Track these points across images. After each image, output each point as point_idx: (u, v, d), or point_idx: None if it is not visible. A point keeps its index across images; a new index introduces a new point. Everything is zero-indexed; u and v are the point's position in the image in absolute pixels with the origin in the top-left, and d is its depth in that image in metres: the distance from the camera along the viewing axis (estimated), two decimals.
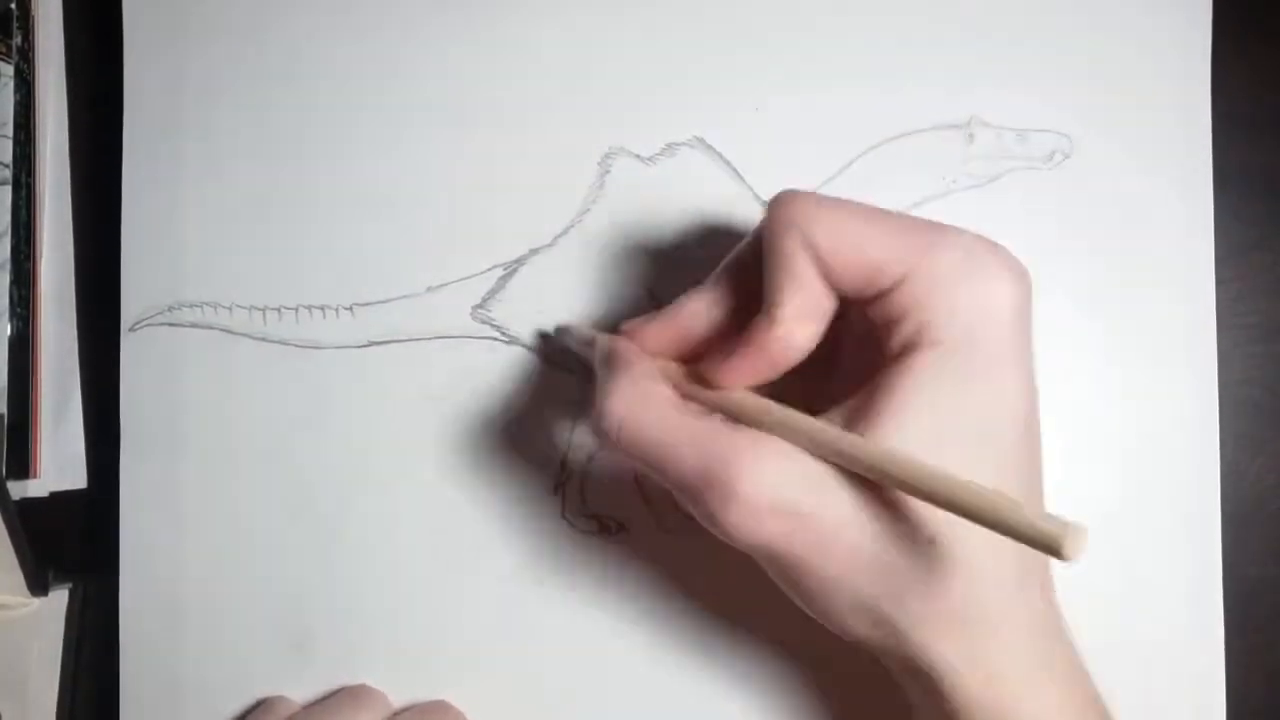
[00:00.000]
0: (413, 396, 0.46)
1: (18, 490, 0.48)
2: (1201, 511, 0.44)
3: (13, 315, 0.48)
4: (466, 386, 0.46)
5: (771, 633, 0.45)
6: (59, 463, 0.49)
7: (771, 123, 0.45)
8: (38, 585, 0.48)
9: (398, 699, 0.47)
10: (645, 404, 0.35)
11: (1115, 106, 0.44)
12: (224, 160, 0.47)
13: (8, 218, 0.48)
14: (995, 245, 0.34)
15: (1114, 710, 0.36)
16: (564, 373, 0.46)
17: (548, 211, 0.46)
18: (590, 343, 0.41)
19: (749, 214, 0.45)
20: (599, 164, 0.45)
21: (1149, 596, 0.44)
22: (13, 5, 0.49)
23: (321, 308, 0.46)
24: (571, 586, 0.46)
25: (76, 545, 0.50)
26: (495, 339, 0.46)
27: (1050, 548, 0.28)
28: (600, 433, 0.36)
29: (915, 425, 0.32)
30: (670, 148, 0.45)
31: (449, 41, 0.47)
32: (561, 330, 0.45)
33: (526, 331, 0.46)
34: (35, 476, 0.48)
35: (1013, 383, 0.33)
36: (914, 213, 0.44)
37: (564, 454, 0.46)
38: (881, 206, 0.35)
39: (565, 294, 0.46)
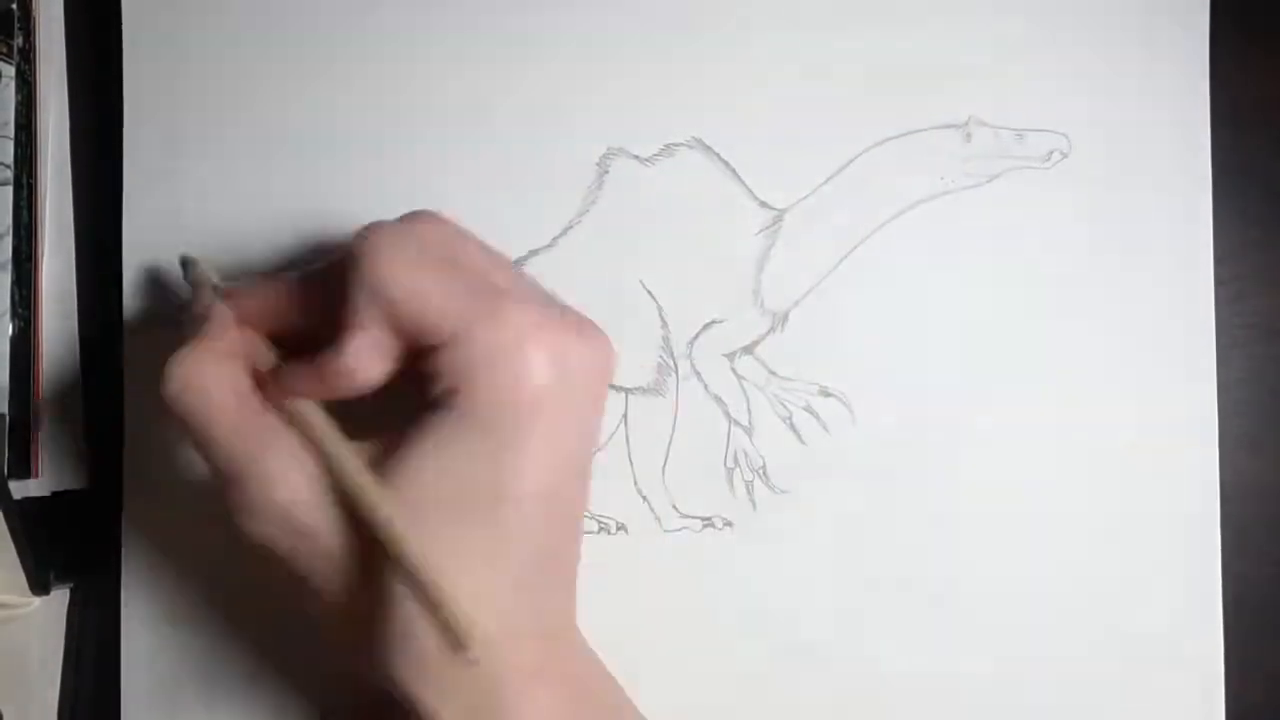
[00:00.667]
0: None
1: (18, 490, 0.47)
2: (1201, 511, 0.44)
3: (13, 315, 0.48)
4: None
5: (773, 632, 0.45)
6: (59, 463, 0.49)
7: (770, 123, 0.45)
8: (38, 585, 0.48)
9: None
10: (209, 379, 0.36)
11: (1114, 106, 0.44)
12: (224, 159, 0.47)
13: (8, 218, 0.48)
14: (544, 325, 0.34)
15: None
16: None
17: (546, 212, 0.46)
18: (200, 289, 0.41)
19: (747, 214, 0.45)
20: (597, 165, 0.45)
21: (1149, 597, 0.44)
22: (13, 5, 0.49)
23: None
24: None
25: (77, 545, 0.49)
26: None
27: (451, 641, 0.31)
28: (161, 388, 0.37)
29: (425, 482, 0.33)
30: (669, 148, 0.45)
31: (447, 41, 0.47)
32: (188, 262, 0.43)
33: None
34: (36, 476, 0.48)
35: (534, 460, 0.34)
36: (912, 212, 0.44)
37: None
38: (458, 265, 0.36)
39: (564, 294, 0.45)
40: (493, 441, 0.33)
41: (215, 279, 0.41)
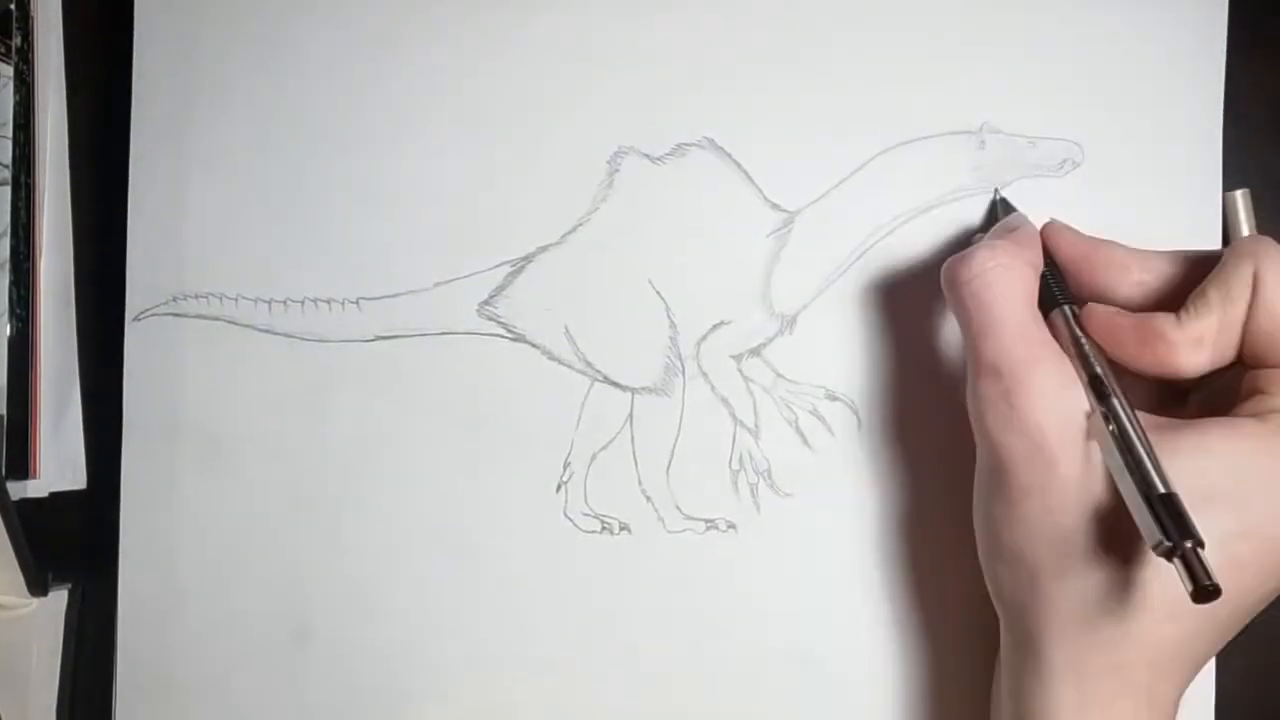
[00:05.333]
0: (417, 392, 0.46)
1: (18, 490, 0.47)
2: None
3: (12, 315, 0.48)
4: (471, 382, 0.46)
5: (775, 634, 0.45)
6: (59, 463, 0.49)
7: (782, 125, 0.45)
8: (37, 585, 0.48)
9: (398, 693, 0.47)
10: (1011, 277, 0.36)
11: (1127, 115, 0.44)
12: (232, 152, 0.48)
13: (7, 218, 0.48)
14: None
15: None
16: (568, 371, 0.46)
17: (556, 209, 0.46)
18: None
19: (758, 216, 0.45)
20: (608, 163, 0.46)
21: None
22: (12, 6, 0.49)
23: (328, 301, 0.47)
24: (573, 585, 0.46)
25: (76, 545, 0.49)
26: (501, 336, 0.46)
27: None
28: (952, 269, 0.38)
29: (1201, 471, 0.33)
30: (680, 148, 0.45)
31: (459, 39, 0.47)
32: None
33: (532, 329, 0.46)
34: (35, 476, 0.48)
35: None
36: (923, 218, 0.44)
37: (567, 452, 0.46)
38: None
39: (572, 292, 0.46)
40: None
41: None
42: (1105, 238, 0.40)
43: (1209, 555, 0.29)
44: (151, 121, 0.48)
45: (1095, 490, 0.34)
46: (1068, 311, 0.37)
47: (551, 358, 0.46)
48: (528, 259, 0.46)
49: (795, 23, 0.45)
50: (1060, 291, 0.38)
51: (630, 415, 0.46)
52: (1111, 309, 0.37)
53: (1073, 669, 0.34)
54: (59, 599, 0.49)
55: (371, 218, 0.47)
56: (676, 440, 0.45)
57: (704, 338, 0.45)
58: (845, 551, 0.44)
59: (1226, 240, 0.45)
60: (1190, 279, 0.37)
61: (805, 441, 0.45)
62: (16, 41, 0.49)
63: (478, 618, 0.46)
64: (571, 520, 0.46)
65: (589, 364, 0.45)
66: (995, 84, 0.44)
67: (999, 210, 0.43)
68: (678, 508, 0.45)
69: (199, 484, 0.47)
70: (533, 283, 0.46)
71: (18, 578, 0.47)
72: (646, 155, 0.45)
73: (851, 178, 0.44)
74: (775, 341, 0.45)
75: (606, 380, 0.45)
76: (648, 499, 0.46)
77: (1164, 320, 0.35)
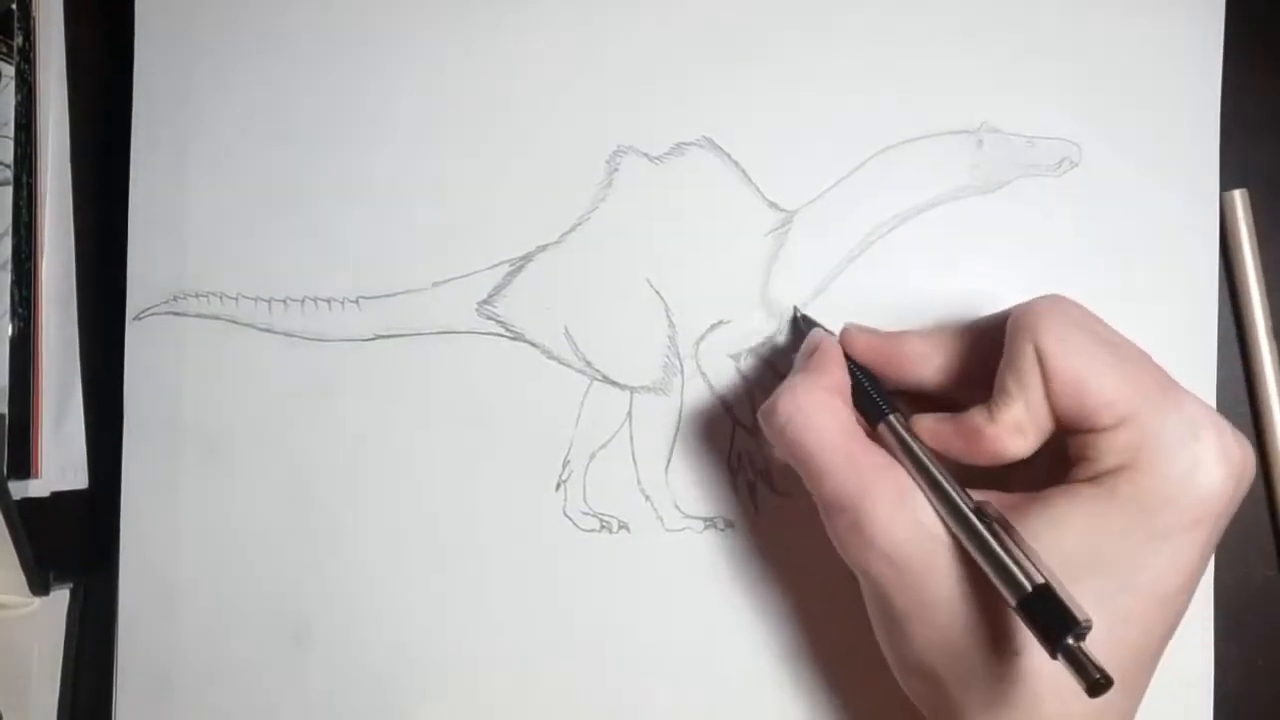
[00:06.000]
0: (417, 390, 0.46)
1: (18, 490, 0.47)
2: None
3: (14, 315, 0.48)
4: (470, 381, 0.46)
5: (773, 633, 0.45)
6: (60, 463, 0.49)
7: (781, 124, 0.45)
8: (38, 585, 0.48)
9: (397, 693, 0.47)
10: (817, 412, 0.37)
11: (1125, 115, 0.44)
12: (232, 152, 0.48)
13: (9, 218, 0.48)
14: (1220, 426, 0.34)
15: None
16: (567, 370, 0.46)
17: (555, 209, 0.46)
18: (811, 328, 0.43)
19: (757, 215, 0.45)
20: (607, 162, 0.46)
21: None
22: (13, 5, 0.49)
23: (328, 300, 0.47)
24: (572, 583, 0.46)
25: (77, 545, 0.49)
26: (500, 335, 0.46)
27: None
28: (765, 420, 0.38)
29: (1054, 549, 0.33)
30: (679, 147, 0.45)
31: (458, 37, 0.47)
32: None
33: (531, 328, 0.46)
34: (36, 476, 0.48)
35: (1185, 560, 0.33)
36: (921, 217, 0.44)
37: (566, 451, 0.46)
38: (1119, 341, 0.35)
39: (571, 291, 0.46)
40: (1148, 531, 0.33)
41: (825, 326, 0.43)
42: (898, 330, 0.40)
43: (1095, 619, 0.30)
44: (152, 121, 0.48)
45: (968, 593, 0.34)
46: (892, 421, 0.37)
47: (550, 357, 0.46)
48: (527, 258, 0.46)
49: (794, 22, 0.45)
50: (882, 400, 0.38)
51: (629, 414, 0.46)
52: (930, 418, 0.37)
53: None
54: (60, 598, 0.49)
55: (371, 217, 0.47)
56: (675, 439, 0.46)
57: (703, 337, 0.45)
58: None
59: (1225, 242, 0.45)
60: (985, 347, 0.37)
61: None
62: (18, 41, 0.49)
63: (476, 616, 0.46)
64: (570, 519, 0.46)
65: (588, 363, 0.46)
66: (993, 84, 0.44)
67: (800, 326, 0.44)
68: (676, 506, 0.45)
69: (199, 483, 0.47)
70: (532, 282, 0.46)
71: (19, 577, 0.47)
72: (645, 154, 0.46)
73: (850, 177, 0.45)
74: (774, 340, 0.45)
75: (605, 379, 0.46)
76: (646, 498, 0.46)
77: (978, 416, 0.35)
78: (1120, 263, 0.44)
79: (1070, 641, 0.29)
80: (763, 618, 0.45)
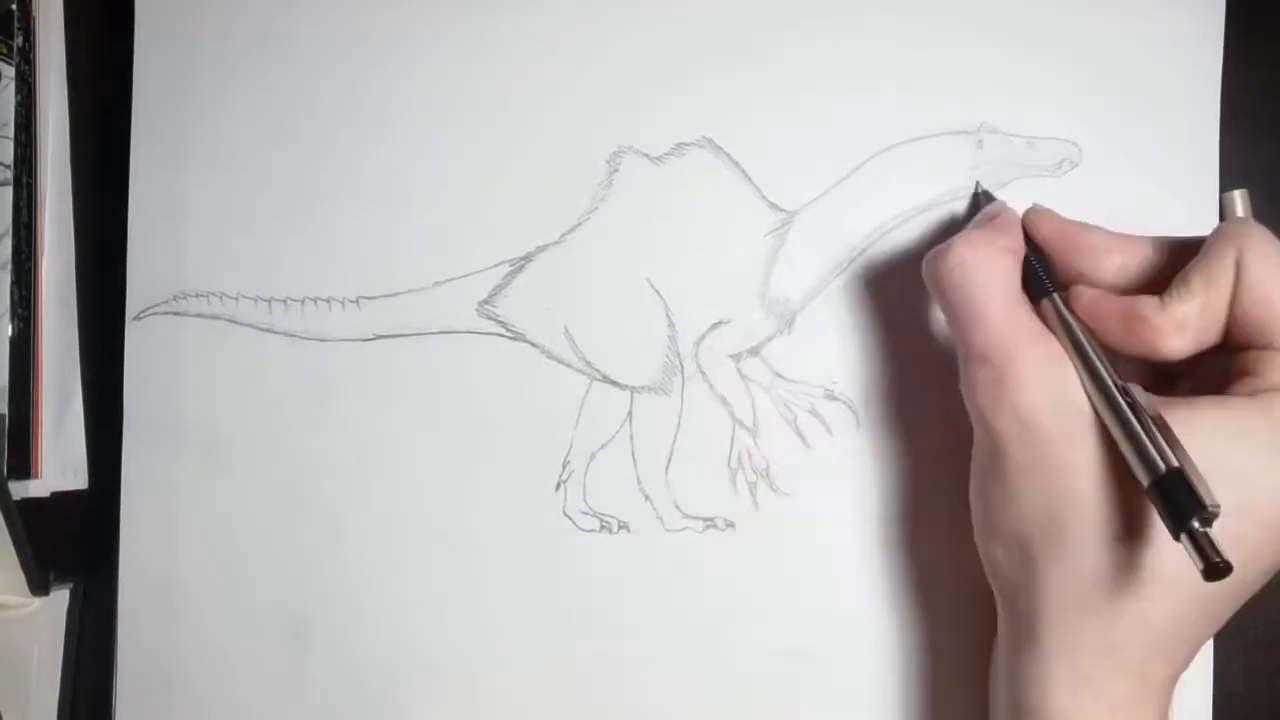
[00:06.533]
0: (417, 390, 0.46)
1: (18, 490, 0.47)
2: None
3: (14, 315, 0.48)
4: (470, 381, 0.46)
5: (773, 633, 0.45)
6: (60, 463, 0.49)
7: (780, 124, 0.45)
8: (38, 585, 0.48)
9: (396, 692, 0.47)
10: (987, 264, 0.37)
11: (1125, 115, 0.44)
12: (232, 152, 0.48)
13: (9, 218, 0.48)
14: None
15: None
16: (568, 370, 0.46)
17: (556, 209, 0.46)
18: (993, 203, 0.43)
19: (757, 215, 0.45)
20: (607, 162, 0.46)
21: None
22: (13, 5, 0.49)
23: (328, 300, 0.47)
24: (572, 583, 0.46)
25: (77, 545, 0.49)
26: (500, 335, 0.46)
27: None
28: (933, 262, 0.38)
29: (1194, 448, 0.32)
30: (679, 147, 0.45)
31: (458, 37, 0.47)
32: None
33: (531, 328, 0.46)
34: (36, 476, 0.48)
35: None
36: (922, 218, 0.44)
37: (566, 451, 0.46)
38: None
39: (572, 291, 0.46)
40: None
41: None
42: (1087, 222, 0.40)
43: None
44: (152, 121, 0.48)
45: (1091, 470, 0.34)
46: (1056, 299, 0.37)
47: (551, 357, 0.46)
48: (527, 258, 0.46)
49: (794, 22, 0.45)
50: (1048, 277, 0.38)
51: (629, 414, 0.46)
52: (1096, 292, 0.37)
53: (1067, 649, 0.35)
54: (60, 598, 0.49)
55: (371, 217, 0.47)
56: (675, 439, 0.45)
57: (703, 337, 0.45)
58: (844, 550, 0.45)
59: None
60: (1173, 263, 0.37)
61: (804, 440, 0.45)
62: (18, 42, 0.49)
63: (476, 616, 0.46)
64: (570, 519, 0.46)
65: (588, 363, 0.46)
66: (993, 84, 0.44)
67: (981, 201, 0.44)
68: (677, 506, 0.45)
69: (199, 482, 0.47)
70: (532, 282, 0.46)
71: (19, 577, 0.47)
72: (646, 155, 0.46)
73: (850, 177, 0.45)
74: (774, 341, 0.45)
75: (606, 379, 0.46)
76: (647, 498, 0.46)
77: (1147, 304, 0.35)
78: None
79: (1196, 524, 0.29)
80: (763, 618, 0.45)
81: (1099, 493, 0.34)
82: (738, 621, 0.45)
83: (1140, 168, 0.44)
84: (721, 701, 0.45)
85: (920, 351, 0.44)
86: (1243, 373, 0.35)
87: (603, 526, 0.46)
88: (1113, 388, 0.34)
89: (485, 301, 0.46)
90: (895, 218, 0.44)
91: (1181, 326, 0.35)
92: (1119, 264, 0.38)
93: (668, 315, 0.45)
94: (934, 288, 0.39)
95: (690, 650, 0.45)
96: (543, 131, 0.46)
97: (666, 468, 0.46)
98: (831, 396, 0.45)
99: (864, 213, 0.44)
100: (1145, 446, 0.32)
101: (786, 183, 0.45)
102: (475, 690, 0.46)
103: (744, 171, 0.45)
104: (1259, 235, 0.35)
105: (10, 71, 0.49)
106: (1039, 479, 0.35)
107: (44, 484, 0.48)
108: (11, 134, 0.49)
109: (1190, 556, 0.29)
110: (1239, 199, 0.45)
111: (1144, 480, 0.31)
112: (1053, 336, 0.36)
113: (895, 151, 0.44)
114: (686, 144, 0.45)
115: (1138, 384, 0.34)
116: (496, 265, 0.46)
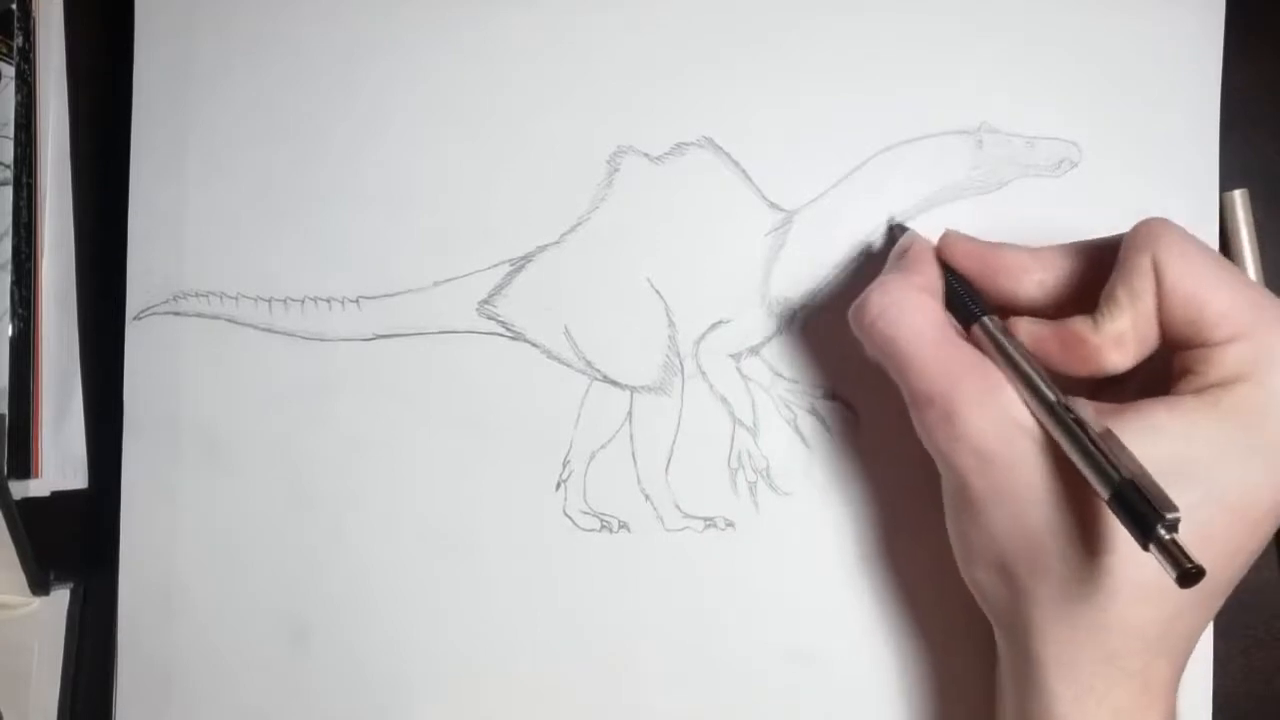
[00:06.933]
0: (416, 390, 0.46)
1: (19, 490, 0.48)
2: None
3: (14, 315, 0.48)
4: (470, 381, 0.46)
5: (773, 633, 0.45)
6: (60, 463, 0.49)
7: (780, 124, 0.45)
8: (39, 585, 0.48)
9: (396, 692, 0.47)
10: (909, 308, 0.37)
11: (1125, 115, 0.44)
12: (232, 152, 0.48)
13: (9, 218, 0.48)
14: None
15: None
16: (568, 369, 0.46)
17: (556, 208, 0.46)
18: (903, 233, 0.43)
19: (757, 215, 0.45)
20: (608, 162, 0.46)
21: None
22: (13, 5, 0.49)
23: (328, 300, 0.47)
24: (572, 583, 0.46)
25: (77, 545, 0.50)
26: (500, 335, 0.46)
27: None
28: (856, 316, 0.39)
29: (1148, 454, 0.32)
30: (679, 147, 0.45)
31: (457, 37, 0.47)
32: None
33: (531, 328, 0.46)
34: (36, 476, 0.48)
35: (1278, 479, 0.34)
36: (921, 217, 0.44)
37: (566, 451, 0.46)
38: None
39: (571, 291, 0.46)
40: (1246, 445, 0.33)
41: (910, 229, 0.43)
42: (1001, 241, 0.40)
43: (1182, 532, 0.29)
44: (151, 121, 0.48)
45: (1052, 487, 0.34)
46: (985, 322, 0.37)
47: (551, 356, 0.46)
48: (527, 258, 0.46)
49: (794, 22, 0.45)
50: (973, 301, 0.38)
51: (629, 414, 0.46)
52: (1029, 321, 0.37)
53: (1064, 664, 0.35)
54: (60, 598, 0.49)
55: (371, 217, 0.47)
56: (675, 439, 0.46)
57: (703, 337, 0.45)
58: (843, 549, 0.45)
59: (1225, 242, 0.45)
60: (1094, 268, 0.37)
61: (803, 440, 0.45)
62: (18, 41, 0.49)
63: (476, 615, 0.46)
64: (570, 518, 0.46)
65: (588, 363, 0.46)
66: (993, 84, 0.44)
67: (895, 234, 0.44)
68: (676, 506, 0.45)
69: (199, 482, 0.47)
70: (532, 282, 0.46)
71: (19, 577, 0.47)
72: (646, 154, 0.46)
73: (850, 177, 0.45)
74: (774, 340, 0.45)
75: (606, 379, 0.46)
76: (647, 497, 0.46)
77: (1081, 324, 0.35)
78: None
79: (1162, 532, 0.29)
80: (763, 618, 0.45)
81: (1065, 510, 0.34)
82: (737, 621, 0.45)
83: (1140, 168, 0.44)
84: (721, 701, 0.45)
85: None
86: (1185, 371, 0.35)
87: (603, 526, 0.46)
88: (1056, 405, 0.34)
89: (485, 301, 0.46)
90: (895, 218, 0.44)
91: (1119, 342, 0.35)
92: (1038, 280, 0.38)
93: (668, 315, 0.45)
94: (863, 340, 0.39)
95: (690, 650, 0.45)
96: (542, 131, 0.46)
97: (666, 467, 0.46)
98: (831, 396, 0.45)
99: (864, 213, 0.44)
100: (1098, 461, 0.32)
101: (786, 182, 0.45)
102: (475, 690, 0.46)
103: (744, 171, 0.45)
104: (1169, 235, 0.35)
105: (10, 71, 0.49)
106: (1006, 505, 0.35)
107: (44, 484, 0.49)
108: (11, 134, 0.49)
109: (1162, 565, 0.29)
110: (1239, 199, 0.45)
111: (1103, 494, 0.31)
112: (989, 362, 0.36)
113: (895, 151, 0.44)
114: (686, 144, 0.45)
115: (1083, 396, 0.35)
116: (496, 265, 0.46)
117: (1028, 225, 0.44)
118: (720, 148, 0.45)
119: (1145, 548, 0.29)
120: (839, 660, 0.45)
